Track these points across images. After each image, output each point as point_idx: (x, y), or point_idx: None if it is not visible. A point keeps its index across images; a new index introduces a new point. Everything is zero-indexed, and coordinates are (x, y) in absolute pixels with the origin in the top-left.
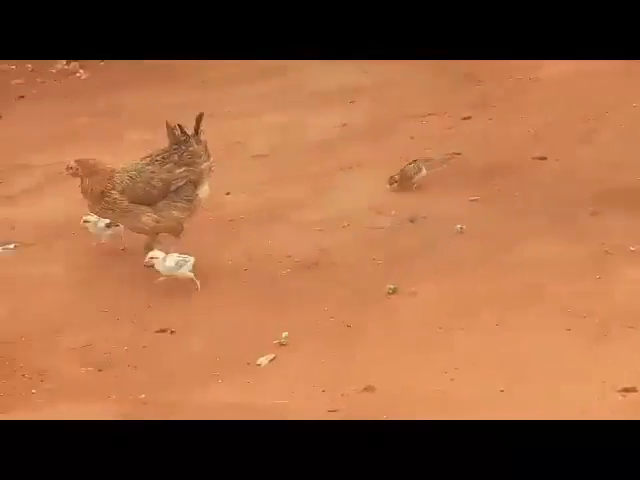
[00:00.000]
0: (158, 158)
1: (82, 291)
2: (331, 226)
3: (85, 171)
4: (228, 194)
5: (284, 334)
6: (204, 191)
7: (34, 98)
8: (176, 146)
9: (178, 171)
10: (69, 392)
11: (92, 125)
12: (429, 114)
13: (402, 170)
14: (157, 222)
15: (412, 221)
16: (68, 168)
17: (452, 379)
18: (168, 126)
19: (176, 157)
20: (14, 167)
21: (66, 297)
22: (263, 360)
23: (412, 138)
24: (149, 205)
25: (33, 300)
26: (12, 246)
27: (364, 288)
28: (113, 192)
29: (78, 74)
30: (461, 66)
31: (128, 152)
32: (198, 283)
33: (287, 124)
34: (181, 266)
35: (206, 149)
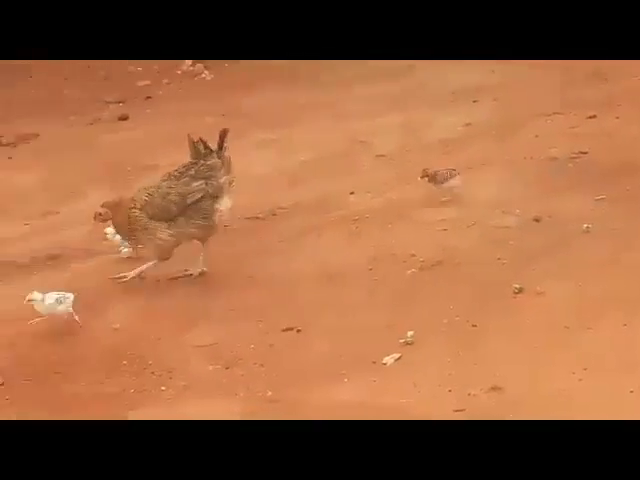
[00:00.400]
0: (175, 174)
1: (210, 288)
2: (455, 225)
3: (112, 210)
4: (352, 194)
5: (409, 333)
6: (224, 204)
7: (160, 99)
8: (195, 160)
9: (195, 184)
10: (197, 389)
11: (217, 125)
12: (554, 113)
13: (435, 172)
14: (171, 237)
15: (537, 220)
16: (97, 215)
17: (580, 379)
18: (190, 140)
19: (193, 171)
20: (142, 167)
21: (195, 294)
22: (389, 359)
23: (537, 137)
24: (168, 221)
25: (162, 298)
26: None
27: (489, 287)
28: (134, 210)
29: (203, 75)
30: (587, 65)
31: (252, 151)
32: (79, 321)
33: (411, 123)
34: (61, 303)
35: (227, 164)
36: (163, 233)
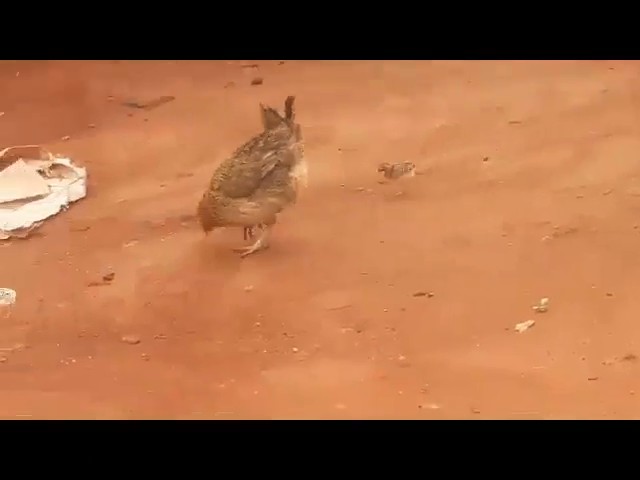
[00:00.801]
0: (246, 148)
1: (342, 252)
2: (591, 193)
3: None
4: (486, 160)
5: (543, 300)
6: (299, 171)
7: (294, 65)
8: (263, 132)
9: (265, 156)
10: (329, 351)
11: (352, 91)
12: None
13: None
14: (256, 209)
15: None
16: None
17: None
18: (261, 110)
19: (261, 143)
20: None
21: (326, 257)
22: (522, 326)
23: None
24: (246, 196)
25: (294, 261)
26: None
27: (626, 256)
28: (212, 192)
29: None
30: None
31: (387, 116)
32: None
33: (546, 90)
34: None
35: (296, 131)
36: (246, 207)
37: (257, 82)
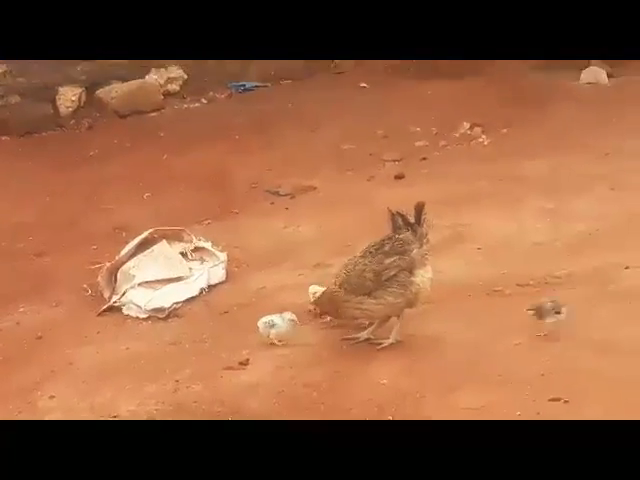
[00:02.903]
0: (372, 250)
1: (478, 353)
2: None
3: (321, 302)
4: (627, 268)
5: None
6: (421, 275)
7: (436, 160)
8: (390, 235)
9: (388, 261)
10: None
11: (492, 189)
12: None
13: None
14: (377, 306)
15: None
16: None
17: None
18: (390, 213)
19: (387, 247)
20: None
21: (462, 356)
22: None
23: None
24: (367, 295)
25: (430, 357)
26: None
27: None
28: (334, 287)
29: (480, 139)
30: None
31: (527, 218)
32: None
33: None
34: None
35: (421, 236)
36: (367, 304)
37: (399, 177)
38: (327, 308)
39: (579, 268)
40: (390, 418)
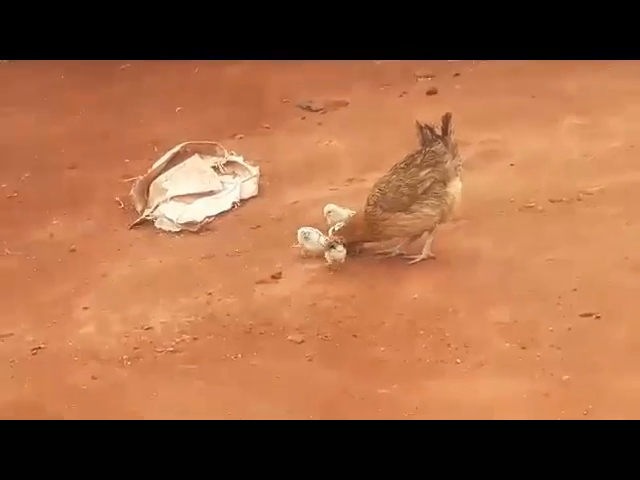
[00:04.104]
0: (402, 165)
1: (511, 268)
2: None
3: (345, 231)
4: None
5: None
6: (454, 186)
7: (470, 76)
8: (420, 149)
9: (422, 173)
10: (492, 366)
11: (526, 106)
12: None
13: None
14: (415, 220)
15: None
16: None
17: None
18: (418, 127)
19: (419, 160)
20: None
21: (495, 272)
22: None
23: None
24: (403, 211)
25: (462, 273)
26: None
27: None
28: (368, 208)
29: None
30: None
31: (561, 135)
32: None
33: None
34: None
35: (453, 148)
36: (404, 220)
37: (432, 92)
38: (360, 232)
39: (612, 185)
40: (422, 332)
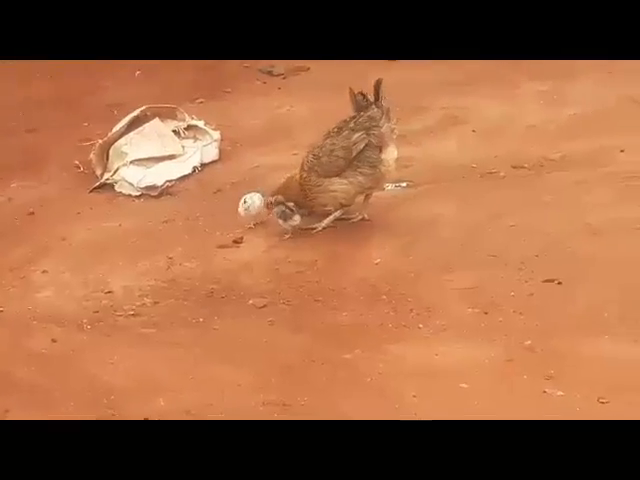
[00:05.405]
0: (335, 129)
1: (472, 234)
2: None
3: (283, 191)
4: (622, 151)
5: None
6: (390, 153)
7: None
8: (354, 114)
9: (356, 135)
10: (455, 331)
11: (490, 72)
12: None
13: None
14: (346, 186)
15: None
16: (269, 204)
17: None
18: (351, 93)
19: (352, 124)
20: (411, 108)
21: (456, 237)
22: None
23: None
24: (337, 176)
25: (424, 238)
26: (404, 184)
27: None
28: (303, 173)
29: None
30: None
31: (522, 101)
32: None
33: None
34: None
35: (387, 113)
36: (337, 185)
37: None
38: (293, 197)
39: (574, 151)
40: (384, 297)
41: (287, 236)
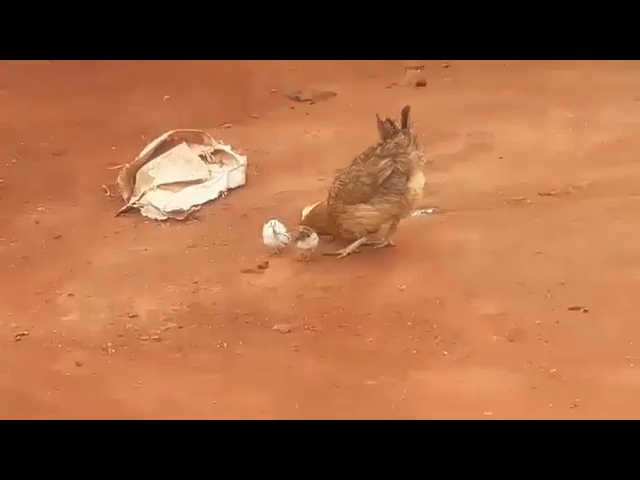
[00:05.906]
0: (362, 156)
1: (499, 260)
2: None
3: (311, 220)
4: None
5: None
6: (417, 181)
7: (460, 67)
8: (381, 141)
9: (382, 162)
10: (479, 358)
11: (518, 99)
12: None
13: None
14: (372, 212)
15: None
16: (298, 239)
17: None
18: (378, 121)
19: (379, 150)
20: (437, 134)
21: (482, 264)
22: None
23: None
24: (363, 202)
25: (449, 265)
26: (430, 210)
27: None
28: (330, 200)
29: None
30: None
31: (550, 128)
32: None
33: None
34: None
35: (414, 140)
36: (363, 211)
37: (421, 84)
38: (321, 224)
39: (602, 178)
40: (409, 324)
41: (307, 259)
